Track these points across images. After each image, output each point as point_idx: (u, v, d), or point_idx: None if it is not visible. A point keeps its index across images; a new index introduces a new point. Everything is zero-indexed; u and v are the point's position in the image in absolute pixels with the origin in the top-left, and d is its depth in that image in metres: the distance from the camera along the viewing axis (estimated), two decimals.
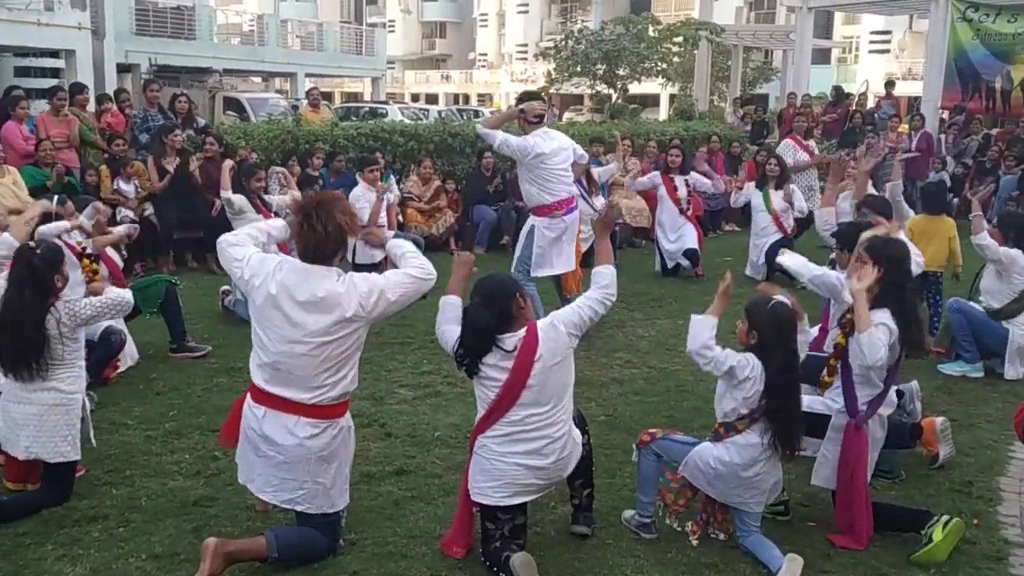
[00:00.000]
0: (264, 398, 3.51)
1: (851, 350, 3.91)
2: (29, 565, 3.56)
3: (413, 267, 3.68)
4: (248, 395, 3.61)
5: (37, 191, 8.28)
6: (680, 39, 25.83)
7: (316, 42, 30.10)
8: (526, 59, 44.87)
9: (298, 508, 3.57)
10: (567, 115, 30.44)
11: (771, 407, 3.67)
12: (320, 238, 3.44)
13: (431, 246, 10.53)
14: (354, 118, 19.02)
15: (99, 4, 19.20)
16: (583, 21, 37.94)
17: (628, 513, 4.00)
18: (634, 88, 28.92)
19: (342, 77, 37.82)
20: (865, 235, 4.44)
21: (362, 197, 8.18)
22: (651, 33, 26.83)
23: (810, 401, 4.06)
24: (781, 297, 3.86)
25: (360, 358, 3.68)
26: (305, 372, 3.45)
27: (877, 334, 3.72)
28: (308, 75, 28.78)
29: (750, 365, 3.69)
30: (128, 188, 9.09)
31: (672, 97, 31.57)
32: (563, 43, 27.84)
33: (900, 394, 4.57)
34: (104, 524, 3.88)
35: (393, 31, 52.87)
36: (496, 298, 3.55)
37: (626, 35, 26.21)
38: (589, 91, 29.54)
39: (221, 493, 4.20)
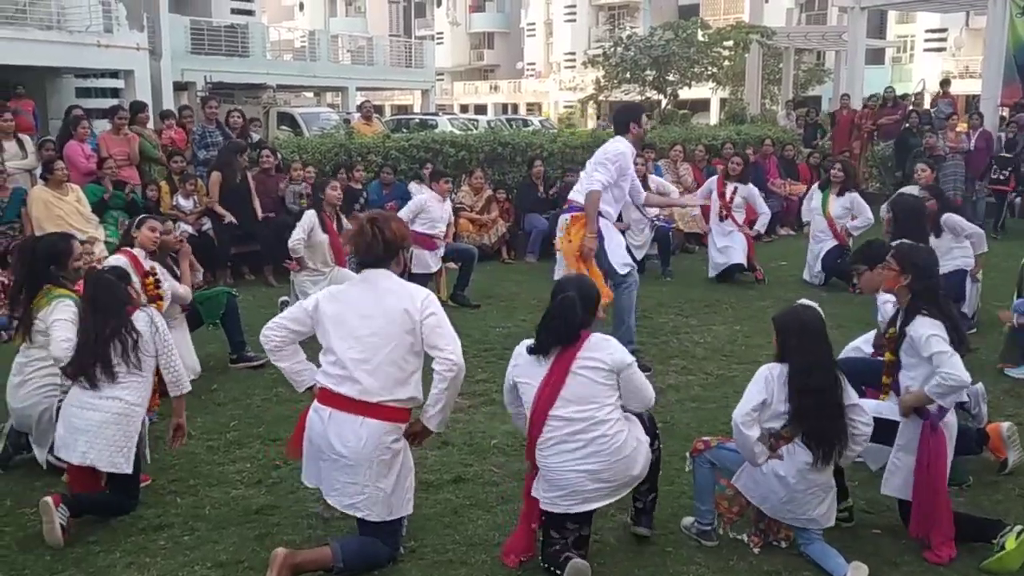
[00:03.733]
0: (331, 399, 3.58)
1: (904, 360, 3.89)
2: (99, 572, 3.64)
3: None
4: (315, 401, 3.66)
5: (95, 206, 8.54)
6: (730, 43, 25.65)
7: (366, 56, 30.45)
8: (574, 67, 44.80)
9: (358, 514, 3.60)
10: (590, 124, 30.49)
11: (796, 411, 3.61)
12: (373, 241, 3.61)
13: (483, 256, 10.57)
14: (405, 130, 19.19)
15: (156, 24, 19.65)
16: (631, 28, 37.81)
17: (687, 520, 3.97)
18: (684, 93, 28.75)
19: (392, 90, 38.21)
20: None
21: (435, 206, 8.33)
22: (701, 37, 26.66)
23: (876, 406, 3.99)
24: (808, 302, 3.90)
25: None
26: (373, 368, 3.52)
27: (952, 357, 3.68)
28: (359, 89, 29.12)
29: (764, 378, 3.67)
30: (187, 203, 9.29)
31: (723, 101, 31.30)
32: (612, 50, 27.79)
33: (963, 401, 4.46)
34: (170, 532, 3.96)
35: (442, 43, 53.24)
36: (589, 297, 3.69)
37: (675, 40, 26.07)
38: (639, 98, 29.43)
39: (283, 501, 4.26)
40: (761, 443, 3.63)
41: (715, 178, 9.84)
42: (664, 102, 27.30)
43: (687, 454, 4.01)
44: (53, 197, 8.14)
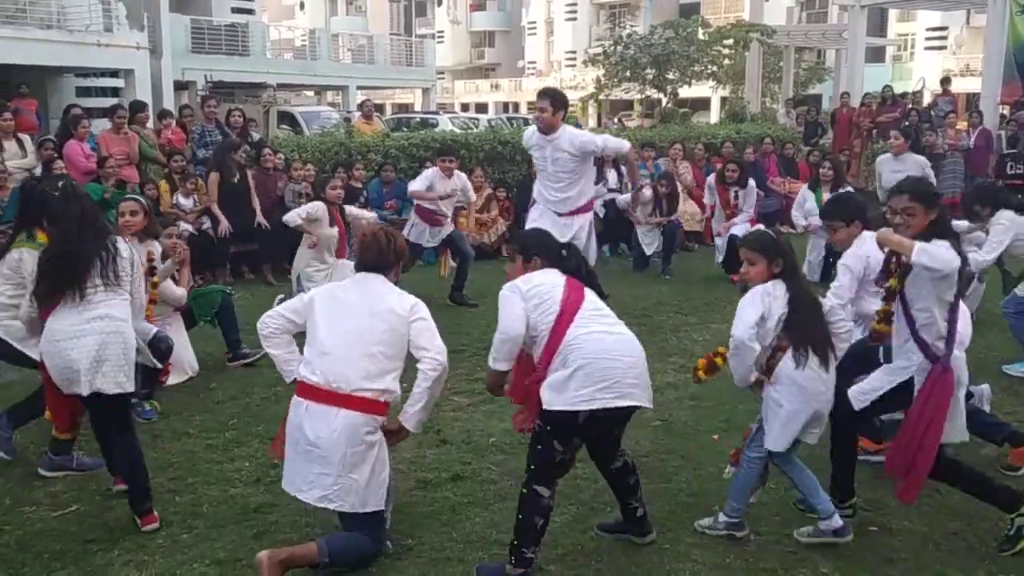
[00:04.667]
0: (308, 391, 3.63)
1: (910, 292, 3.71)
2: (97, 570, 3.65)
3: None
4: (295, 395, 3.71)
5: (99, 206, 8.52)
6: (730, 41, 25.65)
7: (367, 55, 30.43)
8: (575, 66, 44.80)
9: (331, 505, 3.62)
10: (605, 121, 30.50)
11: (794, 322, 3.72)
12: (387, 249, 3.82)
13: (483, 254, 10.58)
14: (405, 129, 19.20)
15: (156, 23, 19.65)
16: (632, 26, 37.82)
17: (706, 521, 3.94)
18: (684, 92, 28.75)
19: (393, 89, 38.23)
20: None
21: (439, 182, 8.41)
22: (701, 36, 26.66)
23: (881, 378, 3.89)
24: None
25: (406, 368, 3.74)
26: (350, 358, 3.59)
27: (939, 245, 3.56)
28: (359, 87, 29.11)
29: (760, 295, 3.73)
30: (187, 202, 9.29)
31: (723, 100, 31.31)
32: (612, 49, 27.79)
33: (970, 395, 4.46)
34: (168, 531, 3.97)
35: (442, 42, 53.22)
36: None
37: (676, 39, 26.07)
38: (639, 96, 29.44)
39: (281, 500, 4.25)
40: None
41: (713, 180, 9.87)
42: (664, 101, 27.30)
43: (728, 466, 4.03)
44: None
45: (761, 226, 5.39)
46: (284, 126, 20.89)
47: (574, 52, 47.01)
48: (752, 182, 9.79)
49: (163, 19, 20.10)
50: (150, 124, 11.05)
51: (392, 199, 10.55)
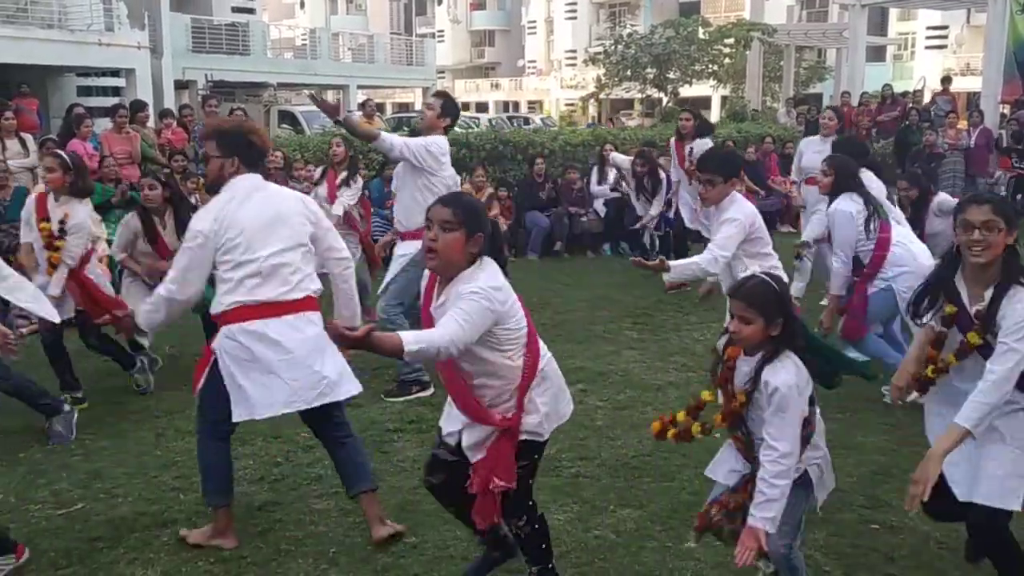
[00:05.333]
0: (260, 310, 3.63)
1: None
2: (103, 568, 3.67)
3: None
4: (230, 326, 3.65)
5: (103, 207, 8.53)
6: (731, 40, 25.67)
7: (367, 54, 30.45)
8: (575, 65, 44.82)
9: (324, 400, 3.71)
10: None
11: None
12: (263, 145, 3.88)
13: None
14: (406, 128, 19.21)
15: (157, 23, 19.68)
16: (632, 25, 37.83)
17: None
18: (685, 91, 28.78)
19: (393, 88, 38.24)
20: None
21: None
22: (701, 35, 26.71)
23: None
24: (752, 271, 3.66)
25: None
26: (293, 267, 3.70)
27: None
28: (360, 87, 29.13)
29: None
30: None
31: (724, 99, 31.34)
32: (613, 48, 27.83)
33: None
34: (173, 529, 3.98)
35: (443, 41, 53.23)
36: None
37: (676, 38, 26.12)
38: (640, 95, 29.45)
39: (285, 498, 4.28)
40: None
41: (672, 140, 9.14)
42: (665, 100, 27.33)
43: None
44: None
45: (757, 269, 4.07)
46: (285, 125, 20.92)
47: (574, 51, 47.01)
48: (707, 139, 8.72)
49: (164, 18, 20.14)
50: (151, 123, 11.07)
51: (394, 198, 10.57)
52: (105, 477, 4.54)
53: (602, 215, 11.24)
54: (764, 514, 2.83)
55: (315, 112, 22.32)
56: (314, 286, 3.78)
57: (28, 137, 9.57)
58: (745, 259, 4.46)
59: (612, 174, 11.04)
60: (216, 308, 3.69)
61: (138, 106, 10.73)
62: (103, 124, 10.77)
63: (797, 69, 25.49)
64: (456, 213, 2.98)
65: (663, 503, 4.14)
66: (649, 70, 26.73)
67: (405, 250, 5.70)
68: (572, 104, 40.81)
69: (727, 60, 26.84)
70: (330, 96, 34.00)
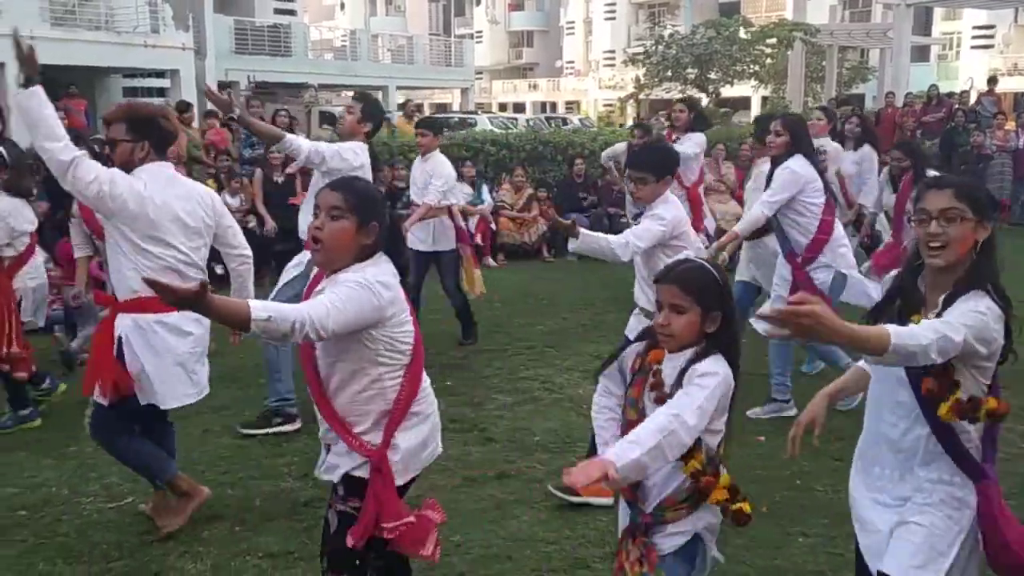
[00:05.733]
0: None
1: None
2: (154, 561, 3.73)
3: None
4: (142, 315, 3.69)
5: None
6: (773, 40, 25.44)
7: (406, 55, 30.63)
8: (614, 65, 44.69)
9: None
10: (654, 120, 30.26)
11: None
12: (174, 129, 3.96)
13: (524, 254, 10.62)
14: (444, 129, 19.27)
15: (201, 24, 19.97)
16: (672, 25, 37.61)
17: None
18: (725, 92, 28.58)
19: (432, 89, 38.38)
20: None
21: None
22: (743, 35, 26.49)
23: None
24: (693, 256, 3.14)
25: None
26: (201, 256, 3.86)
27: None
28: (399, 88, 29.30)
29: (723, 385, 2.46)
30: (234, 202, 9.43)
31: (764, 100, 31.06)
32: (653, 48, 27.70)
33: None
34: (222, 524, 4.04)
35: (481, 42, 53.32)
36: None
37: (717, 38, 25.94)
38: (680, 96, 29.29)
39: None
40: None
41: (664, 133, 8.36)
42: (706, 100, 27.16)
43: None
44: None
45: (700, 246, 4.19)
46: (326, 126, 21.07)
47: (612, 52, 46.87)
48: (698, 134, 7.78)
49: (207, 20, 20.43)
50: (195, 124, 11.22)
51: None
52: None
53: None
54: (624, 454, 2.22)
55: None
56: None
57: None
58: (664, 259, 3.88)
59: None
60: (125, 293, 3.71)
61: (183, 106, 10.89)
62: None
63: (840, 70, 25.21)
64: (347, 199, 2.60)
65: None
66: (690, 70, 26.57)
67: (301, 259, 5.12)
68: (610, 105, 40.68)
69: (768, 60, 26.61)
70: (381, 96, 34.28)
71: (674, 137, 7.56)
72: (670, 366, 2.49)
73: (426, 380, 2.81)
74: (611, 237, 4.02)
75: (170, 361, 3.76)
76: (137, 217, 3.61)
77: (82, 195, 3.60)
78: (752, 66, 26.75)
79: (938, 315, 2.31)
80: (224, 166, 9.81)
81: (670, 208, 4.02)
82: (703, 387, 2.37)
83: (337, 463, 2.77)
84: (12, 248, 5.26)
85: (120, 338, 3.71)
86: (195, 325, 3.80)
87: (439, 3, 58.94)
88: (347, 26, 43.25)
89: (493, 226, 10.65)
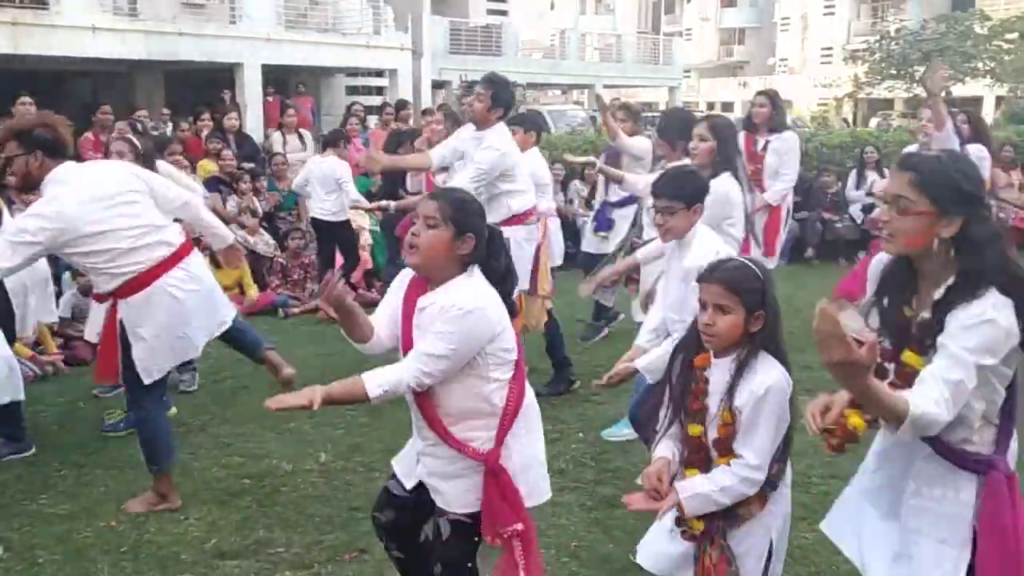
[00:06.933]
0: (180, 253, 4.05)
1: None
2: (361, 538, 3.85)
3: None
4: (165, 275, 3.96)
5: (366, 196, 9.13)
6: (1014, 35, 23.49)
7: (614, 53, 30.63)
8: (830, 63, 42.75)
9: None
10: (872, 121, 28.67)
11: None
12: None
13: None
14: (650, 127, 19.08)
15: (418, 26, 20.77)
16: (900, 20, 35.51)
17: None
18: (957, 90, 26.67)
19: (638, 87, 38.16)
20: None
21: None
22: (979, 30, 24.61)
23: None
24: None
25: None
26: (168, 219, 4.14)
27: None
28: (605, 86, 29.29)
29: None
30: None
31: (999, 99, 28.71)
32: (877, 44, 26.26)
33: None
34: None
35: (690, 39, 52.50)
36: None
37: (949, 33, 24.24)
38: (905, 95, 27.60)
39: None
40: None
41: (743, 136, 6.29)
42: None
43: None
44: None
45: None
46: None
47: (830, 48, 44.88)
48: (790, 134, 6.71)
49: (425, 21, 21.22)
50: (411, 122, 11.69)
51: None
52: (364, 451, 4.83)
53: (858, 221, 10.62)
54: (696, 491, 2.43)
55: (560, 111, 22.76)
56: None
57: (306, 133, 10.40)
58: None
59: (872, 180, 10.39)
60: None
61: (401, 105, 11.36)
62: (371, 121, 11.52)
63: None
64: (442, 209, 2.61)
65: None
66: (917, 68, 25.00)
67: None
68: (824, 103, 38.94)
69: (1007, 57, 24.58)
70: (575, 94, 34.48)
71: (761, 140, 6.44)
72: (718, 372, 2.50)
73: (530, 393, 2.79)
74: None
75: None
76: (80, 231, 3.79)
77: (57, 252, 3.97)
78: (988, 63, 24.80)
79: (930, 319, 2.11)
80: None
81: (702, 255, 3.27)
82: (761, 418, 2.41)
83: (442, 490, 2.72)
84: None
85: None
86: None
87: (649, 1, 58.51)
88: (557, 25, 43.73)
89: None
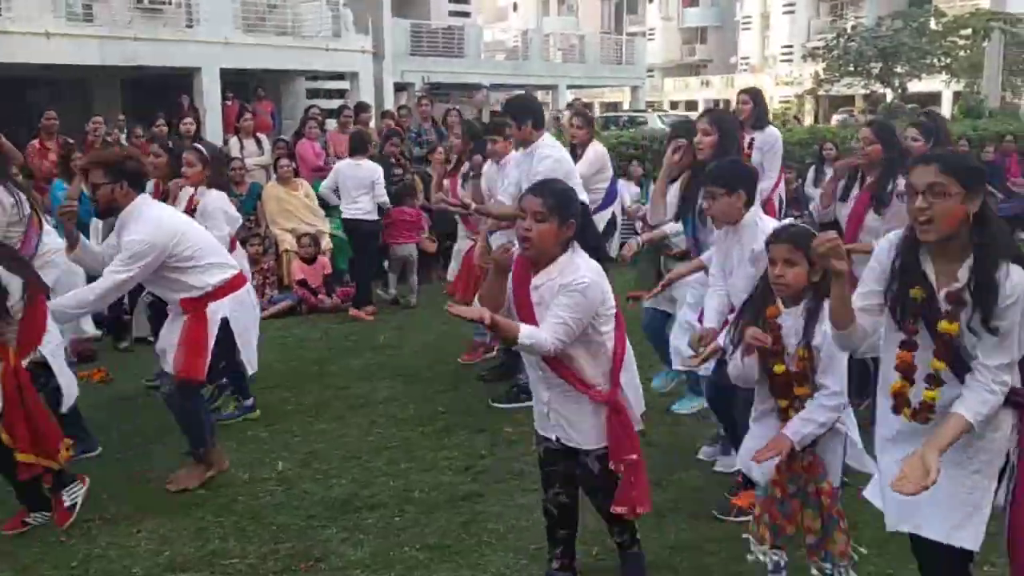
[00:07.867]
0: (235, 282, 4.51)
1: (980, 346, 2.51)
2: (317, 545, 3.84)
3: None
4: (230, 294, 4.42)
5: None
6: (968, 31, 23.85)
7: (578, 54, 30.64)
8: (791, 61, 43.12)
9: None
10: (835, 117, 28.92)
11: None
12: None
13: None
14: (613, 127, 19.17)
15: (379, 27, 20.64)
16: (856, 18, 35.94)
17: None
18: (913, 86, 27.02)
19: (602, 87, 38.25)
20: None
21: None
22: (934, 26, 24.95)
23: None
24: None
25: None
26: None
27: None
28: (569, 87, 29.35)
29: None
30: None
31: (956, 95, 29.13)
32: (835, 42, 26.54)
33: None
34: (382, 512, 4.13)
35: (653, 39, 52.71)
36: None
37: (905, 30, 24.55)
38: (863, 91, 27.91)
39: (488, 490, 4.34)
40: None
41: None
42: (890, 96, 25.75)
43: None
44: (284, 193, 8.74)
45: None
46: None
47: (791, 46, 45.26)
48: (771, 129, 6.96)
49: (385, 23, 21.09)
50: (372, 124, 11.61)
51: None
52: (322, 459, 4.78)
53: (816, 217, 10.68)
54: (799, 429, 3.00)
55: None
56: None
57: (263, 137, 10.29)
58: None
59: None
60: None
61: (362, 107, 11.28)
62: (330, 125, 11.42)
63: None
64: (546, 203, 3.04)
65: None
66: (874, 64, 25.29)
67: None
68: (786, 101, 39.28)
69: (962, 53, 24.94)
70: (540, 95, 34.51)
71: (746, 137, 6.46)
72: (790, 320, 3.04)
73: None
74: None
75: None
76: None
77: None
78: (944, 59, 25.15)
79: (965, 288, 2.43)
80: (396, 151, 9.94)
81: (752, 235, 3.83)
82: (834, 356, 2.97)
83: (576, 431, 3.20)
84: (231, 228, 5.52)
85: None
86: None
87: (611, 1, 58.69)
88: (520, 26, 43.75)
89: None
